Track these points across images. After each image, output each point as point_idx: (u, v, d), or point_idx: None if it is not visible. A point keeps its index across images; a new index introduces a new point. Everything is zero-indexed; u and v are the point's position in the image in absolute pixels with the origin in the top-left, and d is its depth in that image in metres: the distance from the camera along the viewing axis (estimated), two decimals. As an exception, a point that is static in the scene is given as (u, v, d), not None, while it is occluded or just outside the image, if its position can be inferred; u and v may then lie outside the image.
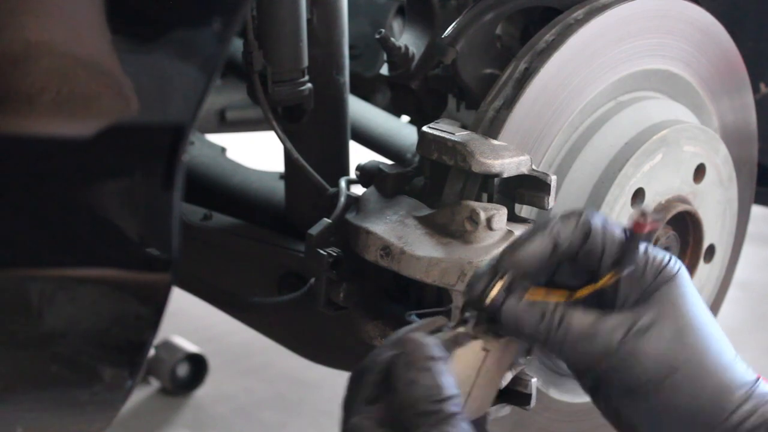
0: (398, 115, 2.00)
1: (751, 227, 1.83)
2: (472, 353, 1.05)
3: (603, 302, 1.07)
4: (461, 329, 1.06)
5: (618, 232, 1.06)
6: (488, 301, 1.05)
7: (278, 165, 1.68)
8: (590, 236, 1.05)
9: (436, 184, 1.34)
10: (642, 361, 1.04)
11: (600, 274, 1.06)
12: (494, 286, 1.05)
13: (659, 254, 1.07)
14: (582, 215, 1.06)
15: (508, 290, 1.05)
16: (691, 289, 1.07)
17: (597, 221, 1.06)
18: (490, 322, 1.07)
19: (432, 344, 0.98)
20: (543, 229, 1.06)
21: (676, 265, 1.07)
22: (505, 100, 1.37)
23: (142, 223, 1.09)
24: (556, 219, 1.06)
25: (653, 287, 1.06)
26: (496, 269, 1.06)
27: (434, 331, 1.06)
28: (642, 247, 1.06)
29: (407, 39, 1.56)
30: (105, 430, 1.21)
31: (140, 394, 2.48)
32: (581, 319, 1.05)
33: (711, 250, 1.59)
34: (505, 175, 1.28)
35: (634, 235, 1.05)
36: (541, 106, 1.39)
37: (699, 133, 1.52)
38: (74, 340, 1.11)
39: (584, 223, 1.05)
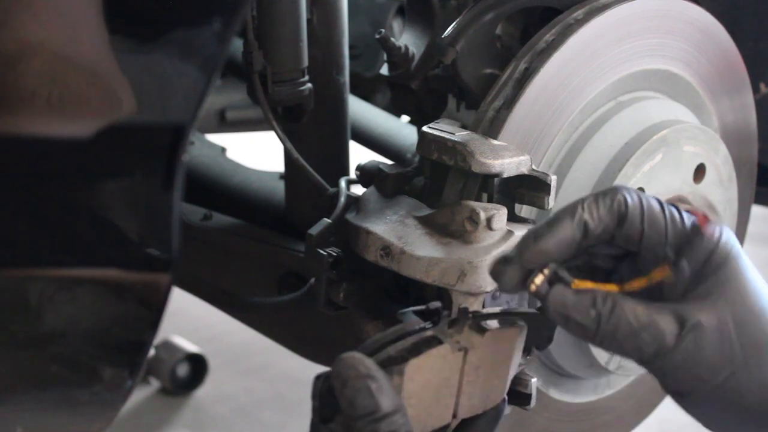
0: (398, 115, 2.00)
1: (751, 227, 1.83)
2: (438, 357, 1.02)
3: (652, 290, 0.99)
4: (428, 333, 1.04)
5: (657, 207, 0.97)
6: (533, 288, 0.97)
7: (278, 165, 1.68)
8: (627, 218, 0.96)
9: (436, 184, 1.33)
10: (698, 365, 0.95)
11: (645, 260, 0.98)
12: (537, 275, 0.97)
13: (709, 228, 0.97)
14: (616, 195, 0.97)
15: (551, 281, 0.97)
16: (748, 267, 0.98)
17: (633, 200, 0.97)
18: (476, 318, 1.06)
19: (366, 362, 0.97)
20: (570, 215, 0.97)
21: (729, 240, 0.97)
22: (505, 100, 1.37)
23: (142, 223, 1.09)
24: (586, 201, 0.97)
25: (708, 270, 0.96)
26: (518, 261, 0.98)
27: (399, 338, 1.04)
28: (689, 219, 0.97)
29: (407, 39, 1.56)
30: (105, 430, 1.21)
31: (140, 394, 2.48)
32: (633, 309, 0.95)
33: (711, 250, 1.59)
34: (505, 175, 1.28)
35: (698, 233, 0.95)
36: (541, 106, 1.39)
37: (699, 133, 1.52)
38: (74, 340, 1.11)
39: (619, 204, 0.96)
